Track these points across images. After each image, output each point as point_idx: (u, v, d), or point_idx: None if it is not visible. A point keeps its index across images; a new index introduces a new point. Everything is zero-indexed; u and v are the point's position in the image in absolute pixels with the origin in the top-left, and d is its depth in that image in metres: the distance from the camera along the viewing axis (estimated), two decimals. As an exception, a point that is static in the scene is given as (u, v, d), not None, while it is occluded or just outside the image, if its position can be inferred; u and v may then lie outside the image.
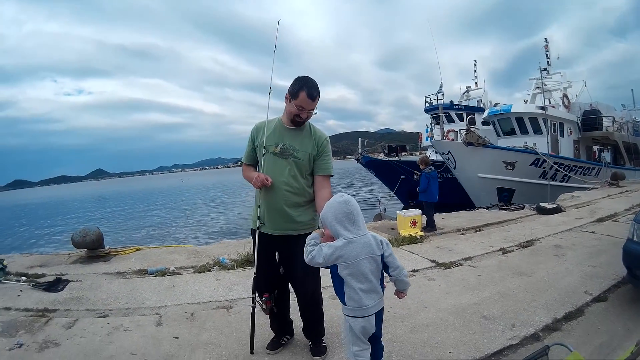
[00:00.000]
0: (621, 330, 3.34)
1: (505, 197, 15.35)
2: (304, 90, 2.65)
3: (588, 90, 22.22)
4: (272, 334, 3.16)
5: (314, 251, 2.21)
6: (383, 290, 2.26)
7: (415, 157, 21.63)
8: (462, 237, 7.33)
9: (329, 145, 2.92)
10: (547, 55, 22.41)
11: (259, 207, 2.81)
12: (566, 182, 16.08)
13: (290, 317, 3.23)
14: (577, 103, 20.57)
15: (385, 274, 2.30)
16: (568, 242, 6.28)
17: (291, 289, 3.05)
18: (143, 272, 5.19)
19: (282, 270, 2.92)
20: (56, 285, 4.70)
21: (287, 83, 2.78)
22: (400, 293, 2.40)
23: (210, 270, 5.21)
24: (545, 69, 21.56)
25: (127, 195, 69.30)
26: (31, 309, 4.04)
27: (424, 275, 4.87)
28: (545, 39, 22.68)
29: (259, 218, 2.81)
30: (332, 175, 2.89)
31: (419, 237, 7.09)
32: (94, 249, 5.94)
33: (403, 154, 23.58)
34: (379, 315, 2.25)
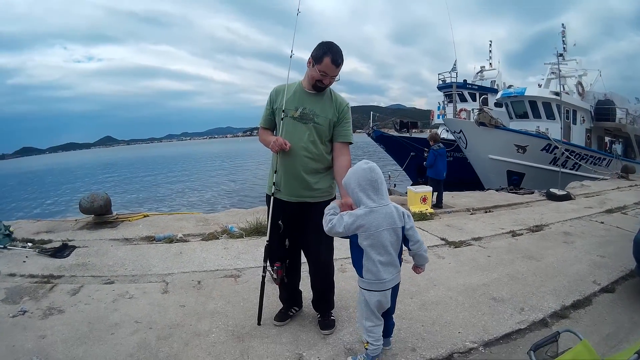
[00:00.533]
0: (627, 322, 3.31)
1: (515, 181, 15.25)
2: (329, 55, 2.55)
3: (603, 80, 21.58)
4: (280, 305, 3.13)
5: (334, 219, 2.16)
6: (401, 264, 2.25)
7: (426, 134, 21.27)
8: (471, 216, 7.30)
9: (350, 112, 2.83)
10: (563, 41, 21.77)
11: (275, 172, 2.73)
12: (576, 171, 15.87)
13: (300, 288, 3.22)
14: (592, 92, 20.03)
15: (404, 248, 2.28)
16: (577, 230, 6.22)
17: (303, 259, 3.03)
18: (150, 239, 5.13)
19: (287, 242, 2.84)
20: (62, 251, 4.62)
21: (299, 52, 2.71)
22: (417, 268, 2.38)
23: (218, 238, 5.16)
24: (561, 55, 20.73)
25: (135, 162, 69.45)
26: (36, 275, 3.98)
27: (433, 252, 4.85)
28: (563, 24, 22.10)
29: (274, 184, 2.73)
30: (351, 143, 2.82)
31: (428, 214, 7.08)
32: (101, 215, 5.82)
33: (414, 130, 23.34)
34: (395, 290, 2.24)
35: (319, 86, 2.67)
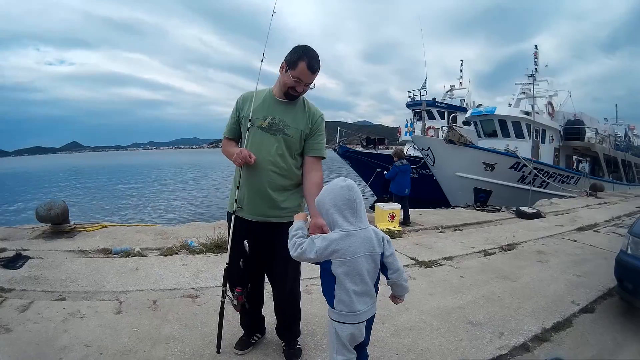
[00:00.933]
0: (610, 343, 3.29)
1: (482, 198, 15.73)
2: (304, 60, 2.35)
3: (572, 101, 23.17)
4: (242, 332, 2.90)
5: (304, 244, 1.94)
6: (377, 294, 2.03)
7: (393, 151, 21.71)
8: (441, 235, 7.25)
9: (324, 124, 2.65)
10: (535, 62, 23.02)
11: (238, 188, 2.52)
12: (544, 189, 16.38)
13: (263, 313, 2.99)
14: (561, 112, 21.29)
15: (381, 276, 2.07)
16: (550, 249, 6.26)
17: (266, 281, 2.81)
18: (107, 252, 4.92)
19: (241, 263, 2.59)
20: (15, 261, 4.47)
21: (269, 68, 2.57)
22: (396, 298, 2.15)
23: (177, 253, 4.93)
24: (532, 75, 22.25)
25: (99, 170, 67.56)
26: (-14, 287, 3.74)
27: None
28: (536, 45, 23.37)
29: (236, 200, 2.52)
30: (324, 158, 2.62)
31: (397, 231, 6.95)
32: (58, 224, 5.69)
33: (380, 147, 23.80)
34: (370, 321, 2.01)
35: (292, 94, 2.48)
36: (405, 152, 22.12)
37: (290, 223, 2.34)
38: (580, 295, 4.24)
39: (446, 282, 4.50)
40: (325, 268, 1.90)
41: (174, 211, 21.87)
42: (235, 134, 2.65)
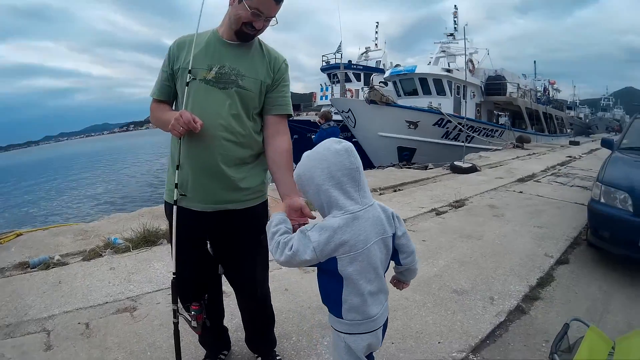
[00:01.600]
0: (598, 293, 3.35)
1: (407, 156, 16.28)
2: None
3: (490, 59, 24.55)
4: (203, 350, 2.37)
5: (293, 242, 1.40)
6: None
7: (309, 117, 21.96)
8: (382, 197, 7.14)
9: (289, 72, 2.08)
10: (455, 21, 24.63)
11: (178, 168, 1.89)
12: (468, 143, 17.04)
13: (225, 323, 2.46)
14: (482, 69, 22.59)
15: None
16: (501, 202, 6.37)
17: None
18: (25, 266, 4.02)
19: (221, 269, 2.10)
20: None
21: (168, 39, 1.69)
22: (403, 284, 1.74)
23: (101, 255, 4.20)
24: (452, 34, 23.78)
25: (9, 171, 60.78)
26: None
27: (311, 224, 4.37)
28: (455, 5, 25.03)
29: (177, 186, 1.88)
30: (291, 116, 2.09)
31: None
32: None
33: (297, 113, 23.55)
34: (386, 323, 1.57)
35: (247, 33, 1.86)
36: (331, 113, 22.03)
37: (254, 209, 2.00)
38: (550, 247, 4.28)
39: (410, 248, 4.24)
40: (328, 270, 1.41)
41: (91, 205, 20.23)
42: (169, 94, 2.00)
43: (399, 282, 1.72)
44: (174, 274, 1.85)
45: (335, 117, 19.97)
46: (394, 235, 1.51)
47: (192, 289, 2.00)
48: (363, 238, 1.38)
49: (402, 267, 1.62)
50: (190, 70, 1.83)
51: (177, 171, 1.87)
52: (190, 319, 1.89)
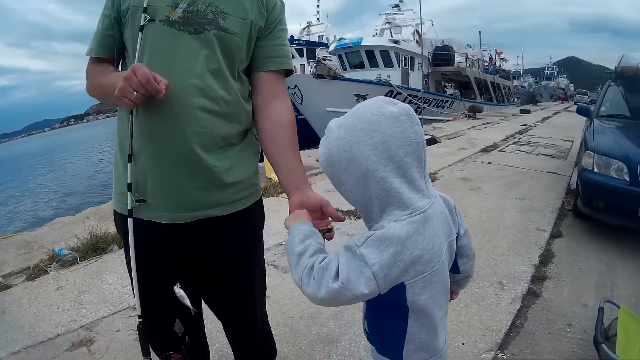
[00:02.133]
0: (600, 265, 3.32)
1: None
2: None
3: (435, 30, 25.33)
4: None
5: (338, 267, 0.89)
6: None
7: None
8: None
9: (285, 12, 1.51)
10: None
11: (131, 160, 1.27)
12: (420, 115, 17.21)
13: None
14: (428, 39, 22.86)
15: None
16: (473, 174, 6.29)
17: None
18: None
19: (193, 310, 1.35)
20: None
21: None
22: (454, 294, 1.32)
23: (47, 271, 3.62)
24: (396, 6, 23.99)
25: None
26: None
27: (340, 232, 4.05)
28: None
29: (130, 188, 1.26)
30: (291, 73, 1.51)
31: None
32: None
33: None
34: None
35: None
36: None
37: (247, 211, 1.41)
38: (540, 220, 4.22)
39: (395, 232, 4.03)
40: (392, 302, 0.96)
41: (32, 210, 18.75)
42: (113, 49, 1.35)
43: (453, 292, 1.30)
44: (139, 317, 1.33)
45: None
46: (457, 235, 1.12)
47: (167, 334, 1.42)
48: (437, 248, 0.95)
49: (460, 276, 1.24)
50: (145, 8, 1.24)
51: (129, 165, 1.26)
52: None
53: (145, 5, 1.22)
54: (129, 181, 1.24)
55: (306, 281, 0.91)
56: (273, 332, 1.86)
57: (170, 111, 1.21)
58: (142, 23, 1.22)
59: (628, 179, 3.54)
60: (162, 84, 1.11)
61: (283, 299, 2.83)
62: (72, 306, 3.05)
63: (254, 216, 1.45)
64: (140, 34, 1.23)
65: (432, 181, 5.86)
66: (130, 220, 1.24)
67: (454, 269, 1.17)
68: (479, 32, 35.52)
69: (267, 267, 3.22)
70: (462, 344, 2.30)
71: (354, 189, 0.94)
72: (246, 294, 1.51)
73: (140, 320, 1.30)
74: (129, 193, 1.24)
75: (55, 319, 2.90)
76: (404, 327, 0.99)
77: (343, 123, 0.95)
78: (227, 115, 1.29)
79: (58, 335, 2.70)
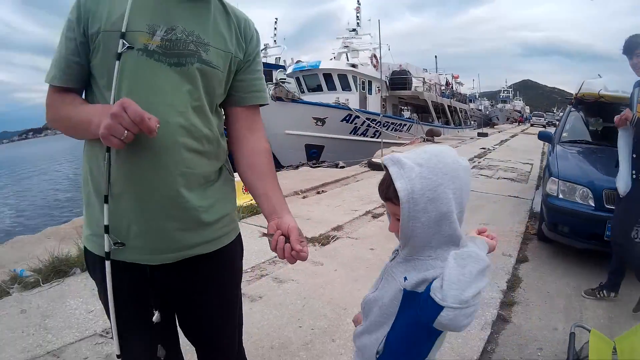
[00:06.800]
0: (567, 288, 3.50)
1: (314, 154, 16.59)
2: None
3: (391, 54, 26.73)
4: None
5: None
6: None
7: None
8: (307, 200, 7.00)
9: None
10: (357, 16, 25.88)
11: (107, 201, 1.21)
12: (377, 138, 17.61)
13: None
14: (386, 63, 23.67)
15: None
16: (435, 199, 6.36)
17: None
18: None
19: (162, 351, 1.40)
20: None
21: None
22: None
23: (9, 293, 3.51)
24: (354, 30, 25.03)
25: None
26: None
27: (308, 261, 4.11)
28: (358, 1, 26.19)
29: (107, 230, 1.21)
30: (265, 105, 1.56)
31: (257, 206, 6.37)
32: None
33: None
34: None
35: None
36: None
37: (228, 247, 1.43)
38: (504, 246, 4.40)
39: (360, 259, 4.15)
40: (425, 324, 1.01)
41: None
42: (79, 78, 1.28)
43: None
44: (118, 357, 1.29)
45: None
46: None
47: None
48: None
49: None
50: (124, 33, 1.17)
51: (105, 206, 1.21)
52: None
53: (123, 29, 1.16)
54: (106, 223, 1.21)
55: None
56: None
57: (154, 151, 1.20)
58: (119, 50, 1.17)
59: (593, 204, 3.76)
60: (153, 121, 1.08)
61: (252, 329, 2.83)
62: (36, 331, 3.03)
63: (235, 251, 1.48)
64: (117, 62, 1.17)
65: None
66: (107, 263, 1.23)
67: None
68: (435, 56, 37.32)
69: None
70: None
71: (424, 226, 1.01)
72: (229, 334, 1.54)
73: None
74: (106, 235, 1.21)
75: (21, 344, 2.88)
76: (427, 352, 1.12)
77: (424, 163, 1.02)
78: (208, 154, 1.32)
79: None
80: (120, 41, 1.15)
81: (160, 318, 1.32)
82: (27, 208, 21.76)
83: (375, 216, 5.71)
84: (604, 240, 3.56)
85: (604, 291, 3.29)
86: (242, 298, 2.98)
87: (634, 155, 3.04)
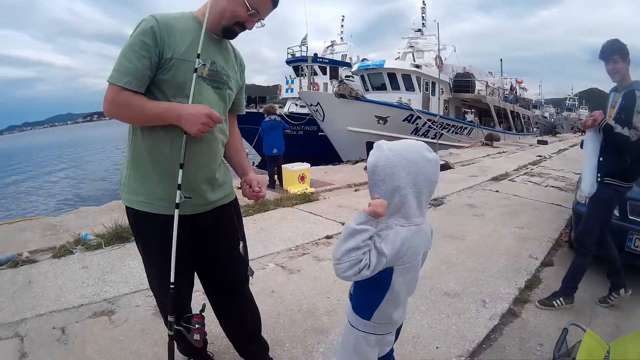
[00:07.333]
0: (584, 294, 3.44)
1: None
2: None
3: (457, 55, 25.18)
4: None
5: (370, 260, 1.32)
6: None
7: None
8: (358, 193, 7.19)
9: None
10: (423, 17, 25.15)
11: (182, 166, 1.72)
12: (438, 140, 17.39)
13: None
14: (450, 65, 23.12)
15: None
16: (479, 201, 6.49)
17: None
18: None
19: (251, 270, 2.16)
20: None
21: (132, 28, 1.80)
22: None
23: (72, 252, 4.07)
24: (419, 30, 24.41)
25: None
26: None
27: (311, 256, 4.30)
28: (423, 1, 25.48)
29: (180, 188, 1.71)
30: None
31: (311, 194, 6.64)
32: None
33: (261, 105, 23.60)
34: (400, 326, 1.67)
35: (235, 32, 1.83)
36: (287, 109, 22.21)
37: (234, 202, 2.10)
38: (534, 249, 4.38)
39: (394, 248, 4.27)
40: (379, 278, 1.40)
41: (57, 197, 19.45)
42: (145, 85, 1.70)
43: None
44: (171, 284, 1.76)
45: (302, 110, 20.24)
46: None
47: (186, 298, 2.00)
48: (417, 250, 1.41)
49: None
50: (198, 64, 1.70)
51: (180, 171, 1.70)
52: (193, 335, 1.81)
53: (196, 65, 1.69)
54: (179, 182, 1.71)
55: (346, 268, 1.30)
56: (273, 322, 2.67)
57: (206, 141, 1.81)
58: (199, 74, 1.73)
59: (617, 214, 3.69)
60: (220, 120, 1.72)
61: (286, 295, 3.19)
62: (95, 283, 3.44)
63: (237, 203, 2.12)
64: (194, 82, 1.69)
65: (439, 205, 6.19)
66: (176, 211, 1.72)
67: None
68: (500, 59, 35.56)
69: (276, 268, 3.67)
70: (437, 347, 2.56)
71: (383, 192, 1.36)
72: (240, 262, 2.09)
73: (172, 288, 1.76)
74: (178, 192, 1.71)
75: (80, 291, 3.30)
76: (380, 299, 1.43)
77: (394, 148, 1.37)
78: (224, 144, 2.00)
79: (82, 305, 3.09)
80: (195, 75, 1.70)
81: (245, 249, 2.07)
82: (89, 184, 23.07)
83: (418, 211, 5.78)
84: (624, 251, 3.53)
85: (612, 294, 3.29)
86: (282, 270, 3.46)
87: (601, 159, 3.02)
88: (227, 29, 1.78)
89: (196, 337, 1.78)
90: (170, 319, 1.78)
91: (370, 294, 1.45)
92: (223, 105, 1.87)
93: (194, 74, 1.69)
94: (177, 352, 2.21)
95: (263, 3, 1.73)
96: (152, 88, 1.69)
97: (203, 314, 1.85)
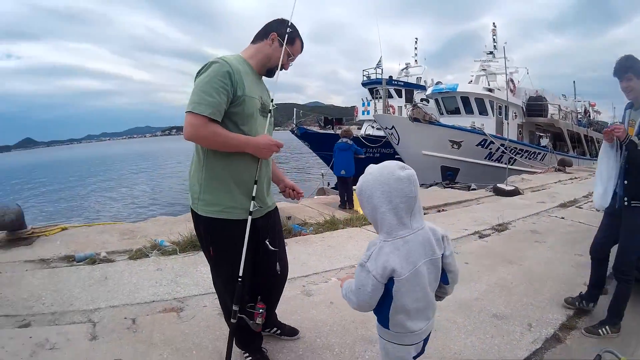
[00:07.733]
0: (636, 326, 3.36)
1: (450, 176, 16.37)
2: (299, 37, 2.43)
3: (530, 78, 24.30)
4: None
5: (363, 280, 1.59)
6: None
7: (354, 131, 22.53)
8: (426, 217, 7.14)
9: None
10: (494, 39, 24.70)
11: (256, 183, 2.28)
12: (511, 165, 16.96)
13: None
14: (523, 88, 22.30)
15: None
16: (543, 227, 6.39)
17: None
18: (70, 259, 4.47)
19: (279, 268, 2.58)
20: None
21: (217, 51, 2.45)
22: (440, 298, 1.87)
23: (148, 256, 4.55)
24: (491, 52, 24.06)
25: (54, 166, 64.56)
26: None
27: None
28: (494, 23, 24.95)
29: (254, 198, 2.26)
30: None
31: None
32: (14, 230, 5.21)
33: (339, 127, 23.95)
34: (428, 336, 1.77)
35: (275, 72, 2.44)
36: (363, 131, 22.47)
37: (276, 208, 2.67)
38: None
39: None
40: (385, 287, 1.60)
41: (135, 206, 21.17)
42: (222, 117, 2.12)
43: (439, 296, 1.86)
44: (240, 278, 2.20)
45: (378, 132, 20.45)
46: (442, 256, 1.67)
47: (248, 288, 2.35)
48: (413, 260, 1.54)
49: (443, 290, 1.79)
50: (256, 98, 2.27)
51: (255, 186, 2.25)
52: (253, 320, 2.22)
53: (261, 102, 2.31)
54: (253, 195, 2.24)
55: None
56: (327, 329, 3.06)
57: (267, 162, 2.40)
58: (270, 108, 2.39)
59: None
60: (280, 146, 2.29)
61: (344, 306, 3.36)
62: (168, 284, 3.83)
63: (278, 209, 2.69)
64: (268, 116, 2.36)
65: (503, 230, 6.14)
66: (249, 217, 2.22)
67: (444, 279, 1.75)
68: (574, 82, 33.50)
69: (337, 282, 4.07)
70: (475, 362, 2.70)
71: (367, 212, 1.61)
72: (281, 250, 2.65)
73: (240, 280, 2.20)
74: (253, 202, 2.24)
75: (153, 289, 3.70)
76: (388, 307, 1.61)
77: (372, 172, 1.59)
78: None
79: (153, 301, 3.50)
80: (259, 105, 2.31)
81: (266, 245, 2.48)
82: (166, 195, 24.29)
83: (481, 236, 5.85)
84: None
85: (584, 302, 3.44)
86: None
87: (625, 182, 3.00)
88: (270, 71, 2.37)
89: (258, 320, 2.21)
90: (235, 307, 2.19)
91: (380, 302, 1.63)
92: (271, 129, 2.38)
93: (269, 107, 2.38)
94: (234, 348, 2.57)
95: (297, 50, 2.42)
96: (224, 118, 2.14)
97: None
